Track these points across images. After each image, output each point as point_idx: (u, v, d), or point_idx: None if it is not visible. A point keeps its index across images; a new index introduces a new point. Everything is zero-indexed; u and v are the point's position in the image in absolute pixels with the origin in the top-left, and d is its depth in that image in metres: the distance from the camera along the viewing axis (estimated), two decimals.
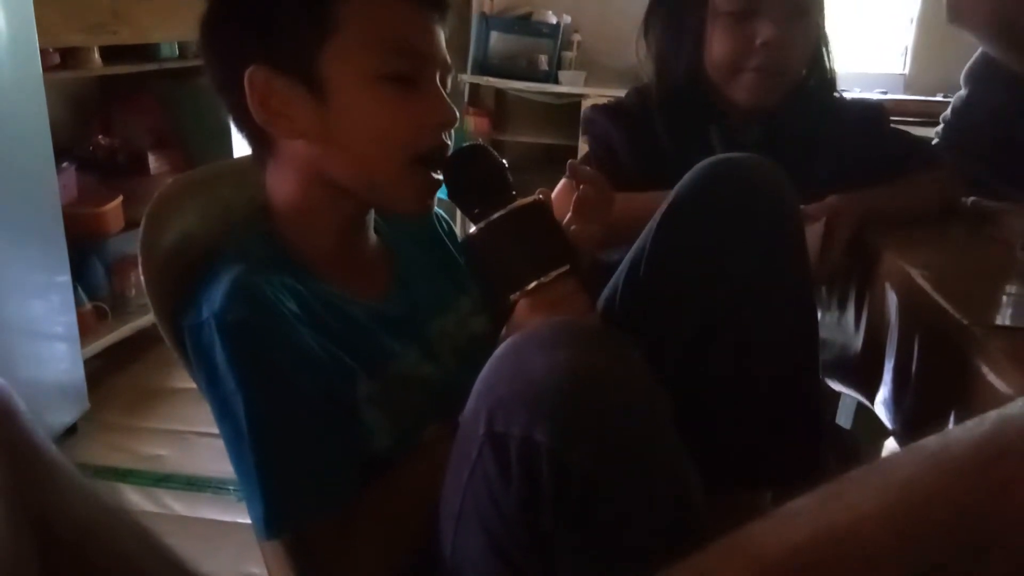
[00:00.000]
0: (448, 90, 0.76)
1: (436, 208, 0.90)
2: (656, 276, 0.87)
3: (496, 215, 0.72)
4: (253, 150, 0.78)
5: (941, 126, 1.48)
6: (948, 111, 1.45)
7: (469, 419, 0.60)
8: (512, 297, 0.72)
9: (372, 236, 0.83)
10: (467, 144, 0.77)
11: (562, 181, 0.80)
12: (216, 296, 0.67)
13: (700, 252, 0.84)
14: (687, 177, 0.86)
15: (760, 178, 0.84)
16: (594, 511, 0.57)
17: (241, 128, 0.76)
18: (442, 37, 0.75)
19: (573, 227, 0.81)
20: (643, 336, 0.76)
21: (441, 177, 0.75)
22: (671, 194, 0.86)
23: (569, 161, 0.79)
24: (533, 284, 0.71)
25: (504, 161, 0.76)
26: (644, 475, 0.58)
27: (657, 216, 0.85)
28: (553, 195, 0.79)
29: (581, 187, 0.82)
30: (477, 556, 0.62)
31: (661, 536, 0.58)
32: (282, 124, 0.72)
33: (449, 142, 0.76)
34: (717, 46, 1.09)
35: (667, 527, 0.59)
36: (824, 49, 1.14)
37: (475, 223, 0.74)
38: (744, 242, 0.82)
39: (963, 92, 1.43)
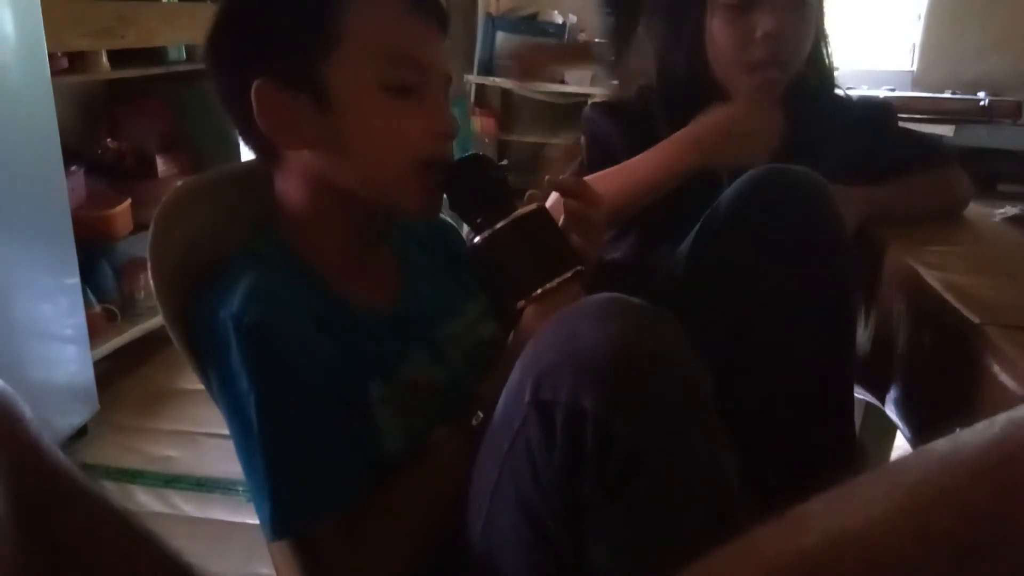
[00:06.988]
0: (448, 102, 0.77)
1: (443, 216, 0.90)
2: (692, 278, 0.88)
3: (499, 224, 0.72)
4: (259, 160, 0.79)
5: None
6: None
7: (513, 389, 0.61)
8: (519, 305, 0.73)
9: (381, 242, 0.84)
10: (466, 154, 0.77)
11: (553, 194, 0.80)
12: (233, 299, 0.67)
13: (735, 257, 0.85)
14: (734, 184, 0.87)
15: (801, 187, 0.85)
16: (634, 482, 0.57)
17: (247, 139, 0.77)
18: (443, 49, 0.76)
19: (572, 236, 0.81)
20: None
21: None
22: (719, 200, 0.87)
23: (547, 177, 0.79)
24: (539, 291, 0.71)
25: (504, 171, 0.76)
26: (685, 450, 0.59)
27: (700, 221, 0.87)
28: (548, 204, 0.79)
29: (564, 201, 0.80)
30: (510, 530, 0.62)
31: (695, 514, 0.59)
32: (288, 135, 0.73)
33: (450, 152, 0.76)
34: (718, 39, 1.08)
35: (702, 505, 0.59)
36: (823, 45, 1.13)
37: (478, 233, 0.74)
38: (778, 249, 0.83)
39: None
